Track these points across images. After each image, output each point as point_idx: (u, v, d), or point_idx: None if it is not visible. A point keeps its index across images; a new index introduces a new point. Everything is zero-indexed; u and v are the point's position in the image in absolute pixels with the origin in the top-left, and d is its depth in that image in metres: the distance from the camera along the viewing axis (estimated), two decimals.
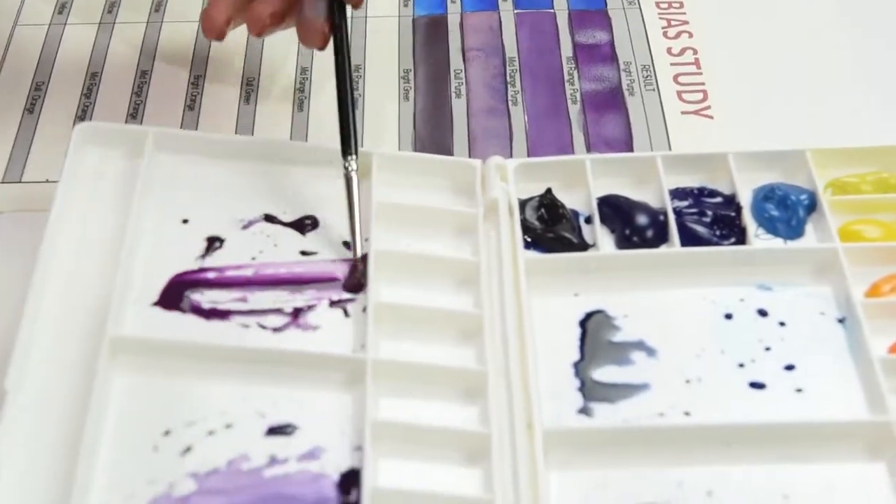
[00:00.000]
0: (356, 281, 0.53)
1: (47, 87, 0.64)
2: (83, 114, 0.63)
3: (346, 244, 0.54)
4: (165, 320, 0.51)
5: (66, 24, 0.68)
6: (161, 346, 0.50)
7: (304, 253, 0.54)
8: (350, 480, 0.46)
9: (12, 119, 0.62)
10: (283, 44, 0.64)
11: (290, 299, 0.52)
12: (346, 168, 0.54)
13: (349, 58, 0.56)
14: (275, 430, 0.48)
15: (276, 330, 0.51)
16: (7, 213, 0.58)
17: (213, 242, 0.54)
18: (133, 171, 0.55)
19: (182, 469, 0.46)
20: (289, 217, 0.55)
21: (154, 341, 0.50)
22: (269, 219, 0.55)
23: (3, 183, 0.59)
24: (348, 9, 0.58)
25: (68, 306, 0.51)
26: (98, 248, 0.53)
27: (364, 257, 0.53)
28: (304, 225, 0.55)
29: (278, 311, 0.52)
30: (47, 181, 0.59)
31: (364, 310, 0.52)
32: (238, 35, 0.64)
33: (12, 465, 0.45)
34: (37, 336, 0.49)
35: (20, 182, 0.59)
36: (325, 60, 0.64)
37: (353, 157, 0.54)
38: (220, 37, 0.58)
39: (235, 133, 0.62)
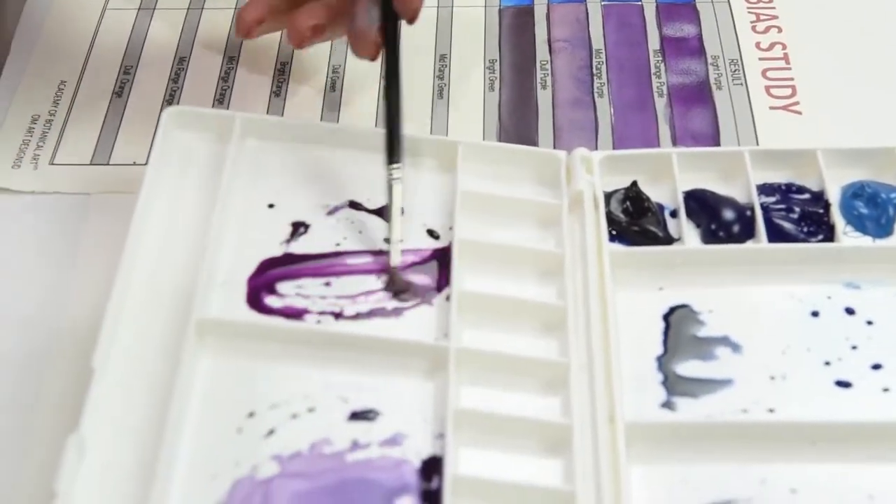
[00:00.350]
0: (395, 289, 0.53)
1: (136, 71, 0.65)
2: (171, 98, 0.63)
3: (429, 232, 0.54)
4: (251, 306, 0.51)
5: (154, 8, 0.68)
6: (246, 330, 0.50)
7: (388, 240, 0.54)
8: (431, 467, 0.47)
9: (101, 102, 0.63)
10: None
11: (373, 286, 0.53)
12: (389, 175, 0.54)
13: (400, 68, 0.56)
14: (357, 416, 0.48)
15: (359, 316, 0.51)
16: (95, 195, 0.59)
17: (298, 227, 0.54)
18: (220, 155, 0.56)
19: (265, 451, 0.47)
20: (373, 204, 0.55)
21: (239, 324, 0.50)
22: (354, 205, 0.55)
23: (91, 165, 0.60)
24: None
25: (155, 287, 0.51)
26: (185, 231, 0.53)
27: (393, 268, 0.53)
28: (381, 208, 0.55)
29: (361, 297, 0.52)
30: (134, 164, 0.60)
31: (447, 298, 0.52)
32: None
33: (98, 443, 0.46)
34: (123, 316, 0.50)
35: (108, 164, 0.60)
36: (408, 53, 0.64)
37: (398, 165, 0.54)
38: (249, 36, 0.58)
39: (320, 120, 0.62)
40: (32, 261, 0.56)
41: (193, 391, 0.48)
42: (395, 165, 0.54)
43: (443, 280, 0.53)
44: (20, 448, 0.49)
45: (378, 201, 0.55)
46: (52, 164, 0.60)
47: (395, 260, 0.53)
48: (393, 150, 0.54)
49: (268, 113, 0.63)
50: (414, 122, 0.61)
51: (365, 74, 0.64)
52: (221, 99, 0.63)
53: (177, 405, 0.47)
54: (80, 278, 0.55)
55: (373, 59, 0.57)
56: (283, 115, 0.63)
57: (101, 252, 0.55)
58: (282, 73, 0.64)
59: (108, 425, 0.47)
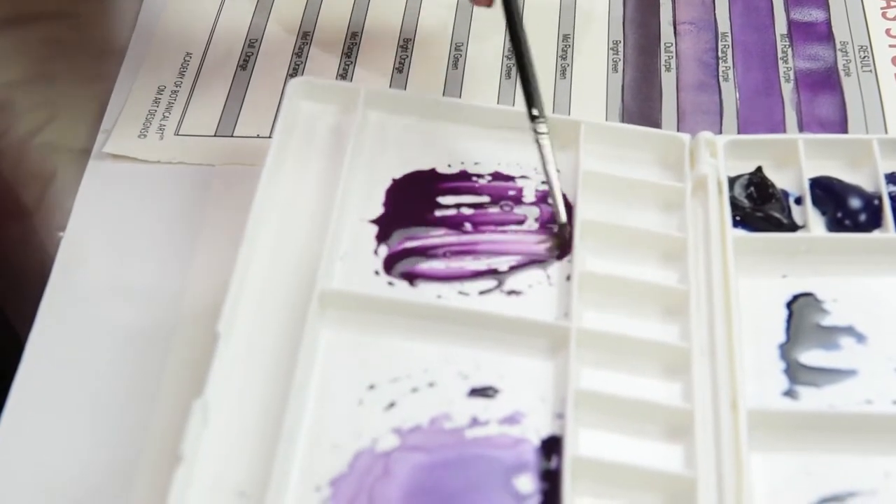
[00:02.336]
0: (561, 243, 0.53)
1: (260, 44, 0.65)
2: (294, 72, 0.64)
3: (545, 208, 0.54)
4: (372, 278, 0.52)
5: None
6: (368, 302, 0.50)
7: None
8: (551, 447, 0.47)
9: (226, 75, 0.64)
10: (489, 13, 0.65)
11: (494, 263, 0.53)
12: (535, 132, 0.54)
13: (520, 17, 0.55)
14: (476, 392, 0.48)
15: (480, 293, 0.51)
16: (219, 166, 0.59)
17: None
18: (344, 127, 0.56)
19: (386, 424, 0.47)
20: (486, 180, 0.55)
21: (361, 296, 0.50)
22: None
23: (215, 136, 0.61)
24: None
25: (277, 257, 0.52)
26: (308, 202, 0.54)
27: (566, 224, 0.53)
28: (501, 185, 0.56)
29: (483, 273, 0.52)
30: (258, 136, 0.60)
31: (568, 278, 0.52)
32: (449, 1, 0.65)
33: (222, 409, 0.47)
34: (247, 285, 0.50)
35: (232, 136, 0.61)
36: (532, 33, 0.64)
37: (543, 119, 0.54)
38: (490, 3, 0.57)
39: (443, 95, 0.62)
40: (157, 230, 0.57)
41: (315, 362, 0.49)
42: (539, 121, 0.54)
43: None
44: (146, 414, 0.50)
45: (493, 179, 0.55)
46: (178, 134, 0.61)
47: (562, 217, 0.53)
48: (532, 105, 0.54)
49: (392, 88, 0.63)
50: None
51: (488, 51, 0.64)
52: (344, 74, 0.64)
53: (299, 375, 0.47)
54: (203, 248, 0.56)
55: (488, 5, 0.57)
56: (405, 90, 0.63)
57: (225, 223, 0.56)
58: (405, 50, 0.64)
59: (232, 392, 0.47)
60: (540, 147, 0.54)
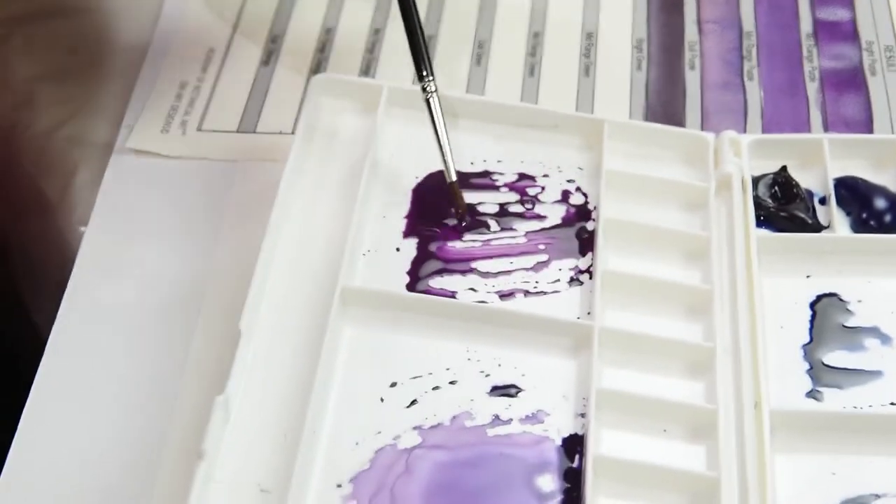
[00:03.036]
0: (456, 206, 0.53)
1: (283, 40, 0.65)
2: (317, 68, 0.64)
3: (568, 207, 0.54)
4: (394, 276, 0.52)
5: None
6: (390, 300, 0.50)
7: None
8: (573, 446, 0.46)
9: (248, 71, 0.64)
10: (514, 7, 0.65)
11: (516, 262, 0.52)
12: (424, 90, 0.54)
13: None
14: (498, 390, 0.48)
15: (501, 292, 0.51)
16: (241, 162, 0.59)
17: None
18: (367, 124, 0.56)
19: (407, 421, 0.47)
20: (508, 179, 0.56)
21: (384, 294, 0.50)
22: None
23: (238, 133, 0.61)
24: None
25: (300, 255, 0.52)
26: (330, 200, 0.54)
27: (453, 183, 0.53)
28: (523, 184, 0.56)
29: (505, 272, 0.52)
30: (280, 133, 0.60)
31: (591, 277, 0.52)
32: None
33: (243, 406, 0.47)
34: (269, 281, 0.50)
35: (254, 132, 0.61)
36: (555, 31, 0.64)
37: (430, 77, 0.54)
38: None
39: (466, 93, 0.62)
40: (179, 226, 0.57)
41: (337, 359, 0.49)
42: (427, 79, 0.54)
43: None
44: (168, 411, 0.50)
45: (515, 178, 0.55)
46: (200, 130, 0.61)
47: (453, 175, 0.53)
48: (420, 63, 0.54)
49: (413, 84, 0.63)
50: (559, 99, 0.61)
51: (511, 49, 0.64)
52: (367, 70, 0.63)
53: (321, 372, 0.47)
54: (225, 244, 0.56)
55: None
56: None
57: (247, 219, 0.56)
58: (428, 46, 0.64)
59: (254, 389, 0.47)
60: (429, 105, 0.53)
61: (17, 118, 0.63)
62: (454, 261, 0.52)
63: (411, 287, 0.51)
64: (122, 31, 0.67)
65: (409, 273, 0.52)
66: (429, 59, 0.54)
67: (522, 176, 0.56)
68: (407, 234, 0.53)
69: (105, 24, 0.67)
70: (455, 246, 0.53)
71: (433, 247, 0.53)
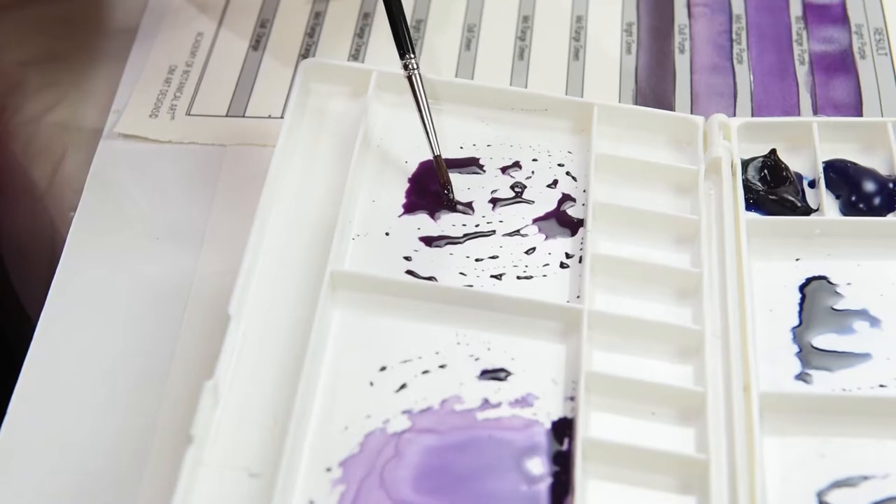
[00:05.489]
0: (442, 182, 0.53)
1: (272, 25, 0.65)
2: (306, 52, 0.63)
3: (564, 196, 0.54)
4: (384, 260, 0.51)
5: None
6: (380, 284, 0.50)
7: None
8: (562, 429, 0.46)
9: (237, 55, 0.63)
10: None
11: (506, 245, 0.52)
12: (405, 68, 0.54)
13: None
14: (488, 374, 0.48)
15: (491, 275, 0.51)
16: (231, 147, 0.59)
17: None
18: (356, 109, 0.56)
19: (396, 405, 0.47)
20: (497, 164, 0.55)
21: (373, 278, 0.50)
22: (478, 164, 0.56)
23: (227, 117, 0.61)
24: None
25: (289, 239, 0.52)
26: (320, 184, 0.53)
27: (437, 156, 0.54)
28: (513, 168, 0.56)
29: (494, 257, 0.52)
30: (269, 117, 0.60)
31: (580, 261, 0.52)
32: None
33: (233, 390, 0.47)
34: (258, 265, 0.50)
35: (243, 117, 0.61)
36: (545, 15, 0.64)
37: (411, 56, 0.55)
38: None
39: (455, 77, 0.62)
40: (168, 210, 0.57)
41: (327, 343, 0.49)
42: (408, 56, 0.55)
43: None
44: (157, 395, 0.50)
45: (506, 160, 0.55)
46: (189, 114, 0.61)
47: (436, 149, 0.53)
48: (401, 43, 0.55)
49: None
50: (548, 84, 0.61)
51: (500, 34, 0.64)
52: (356, 55, 0.63)
53: (310, 356, 0.47)
54: (214, 229, 0.56)
55: None
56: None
57: (236, 203, 0.56)
58: (417, 31, 0.64)
59: (243, 373, 0.47)
60: (411, 82, 0.54)
61: (6, 103, 0.63)
62: (444, 244, 0.52)
63: (400, 270, 0.51)
64: (111, 15, 0.67)
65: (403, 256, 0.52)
66: (410, 37, 0.55)
67: (512, 160, 0.56)
68: (400, 216, 0.53)
69: (94, 8, 0.67)
70: (445, 230, 0.53)
71: (424, 230, 0.53)
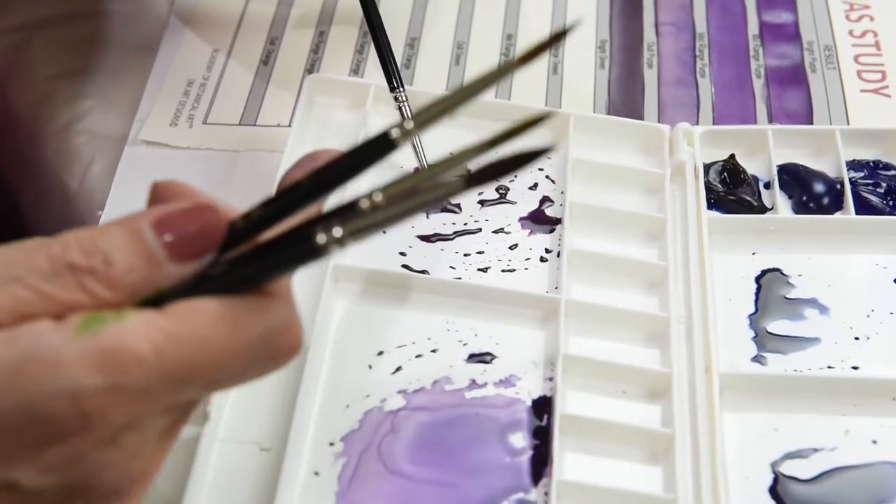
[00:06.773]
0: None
1: (280, 42, 0.65)
2: (311, 67, 0.64)
3: (544, 198, 0.54)
4: (381, 256, 0.52)
5: None
6: (378, 277, 0.51)
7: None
8: (542, 406, 0.47)
9: (249, 70, 0.64)
10: (489, 12, 0.65)
11: (491, 242, 0.53)
12: (396, 100, 0.55)
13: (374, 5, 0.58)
14: (475, 358, 0.49)
15: (479, 269, 0.52)
16: (243, 152, 0.59)
17: None
18: (355, 119, 0.56)
19: (393, 386, 0.47)
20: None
21: (372, 272, 0.51)
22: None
23: (240, 125, 0.61)
24: None
25: None
26: None
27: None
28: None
29: (481, 252, 0.52)
30: (278, 125, 0.61)
31: (558, 255, 0.52)
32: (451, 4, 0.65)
33: None
34: None
35: (255, 125, 0.61)
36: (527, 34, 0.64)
37: (401, 90, 0.55)
38: None
39: (446, 90, 0.62)
40: None
41: (330, 330, 0.49)
42: (398, 90, 0.56)
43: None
44: None
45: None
46: (205, 123, 0.61)
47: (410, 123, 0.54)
48: (390, 79, 0.56)
49: None
50: (530, 95, 0.62)
51: (487, 51, 0.64)
52: (357, 70, 0.64)
53: (315, 343, 0.47)
54: None
55: None
56: (411, 85, 0.63)
57: (248, 203, 0.55)
58: (411, 48, 0.64)
59: None
60: (401, 112, 0.55)
61: (39, 113, 0.63)
62: (436, 240, 0.53)
63: (396, 264, 0.51)
64: (134, 33, 0.67)
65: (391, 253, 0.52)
66: (398, 73, 0.56)
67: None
68: None
69: (119, 26, 0.67)
70: (437, 228, 0.53)
71: (418, 228, 0.53)
